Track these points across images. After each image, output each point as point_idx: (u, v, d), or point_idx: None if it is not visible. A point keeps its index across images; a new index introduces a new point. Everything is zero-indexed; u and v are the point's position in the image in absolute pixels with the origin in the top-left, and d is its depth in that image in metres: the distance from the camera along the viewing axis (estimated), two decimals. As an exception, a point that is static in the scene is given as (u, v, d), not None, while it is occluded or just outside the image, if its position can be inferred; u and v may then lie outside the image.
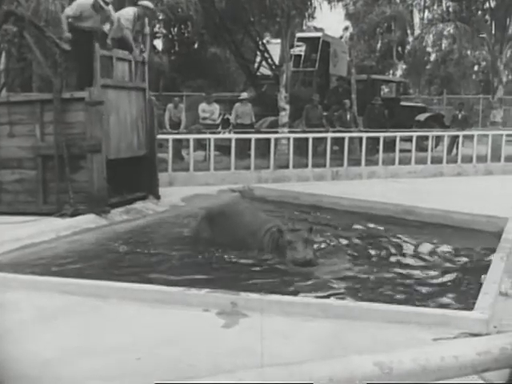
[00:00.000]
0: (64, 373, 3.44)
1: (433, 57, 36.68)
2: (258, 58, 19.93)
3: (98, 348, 3.81)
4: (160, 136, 11.42)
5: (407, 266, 6.62)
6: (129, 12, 10.09)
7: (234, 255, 6.68)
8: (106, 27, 9.58)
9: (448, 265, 6.64)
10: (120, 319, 4.43)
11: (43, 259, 6.62)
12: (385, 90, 23.16)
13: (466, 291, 5.56)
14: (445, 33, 33.29)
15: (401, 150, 14.61)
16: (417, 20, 32.56)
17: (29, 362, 3.52)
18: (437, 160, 14.81)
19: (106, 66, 8.67)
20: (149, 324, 4.33)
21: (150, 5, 10.60)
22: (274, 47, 18.50)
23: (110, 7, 9.54)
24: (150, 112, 9.90)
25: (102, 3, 9.28)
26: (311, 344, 3.91)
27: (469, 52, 33.13)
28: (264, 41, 19.56)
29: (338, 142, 14.26)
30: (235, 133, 14.73)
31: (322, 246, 7.23)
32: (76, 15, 9.34)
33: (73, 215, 8.28)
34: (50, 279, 5.39)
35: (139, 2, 10.43)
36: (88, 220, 8.17)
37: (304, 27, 24.21)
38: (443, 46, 35.84)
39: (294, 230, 6.50)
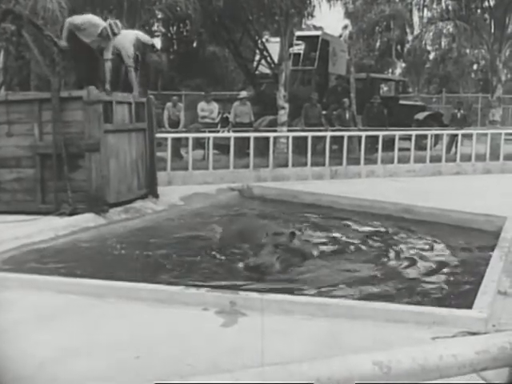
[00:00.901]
0: (62, 372, 3.44)
1: (432, 56, 36.71)
2: (257, 57, 19.92)
3: (97, 347, 3.81)
4: (159, 135, 11.41)
5: (406, 263, 6.63)
6: (130, 48, 10.03)
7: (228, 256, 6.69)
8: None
9: (446, 263, 6.63)
10: (118, 318, 4.43)
11: (41, 258, 6.62)
12: (384, 88, 23.17)
13: (464, 290, 5.56)
14: (444, 31, 33.33)
15: (400, 149, 14.61)
16: (416, 19, 32.53)
17: (26, 361, 3.52)
18: (436, 159, 14.81)
19: (105, 111, 8.63)
20: (147, 323, 4.32)
21: (150, 41, 10.57)
22: (273, 46, 18.48)
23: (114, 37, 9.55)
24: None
25: (109, 33, 9.27)
26: (310, 343, 3.91)
27: (468, 51, 33.16)
28: (263, 39, 19.54)
29: (337, 140, 14.26)
30: (234, 132, 14.72)
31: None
32: (80, 28, 9.34)
33: (71, 214, 8.27)
34: (48, 278, 5.38)
35: (138, 36, 10.40)
36: (87, 219, 8.16)
37: (303, 26, 24.20)
38: (442, 44, 35.85)
39: (278, 233, 6.35)
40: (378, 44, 36.38)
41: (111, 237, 7.81)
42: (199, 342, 3.95)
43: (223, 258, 6.71)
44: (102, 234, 7.89)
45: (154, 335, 4.05)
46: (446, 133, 15.96)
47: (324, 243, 7.40)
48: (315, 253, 6.61)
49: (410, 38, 34.39)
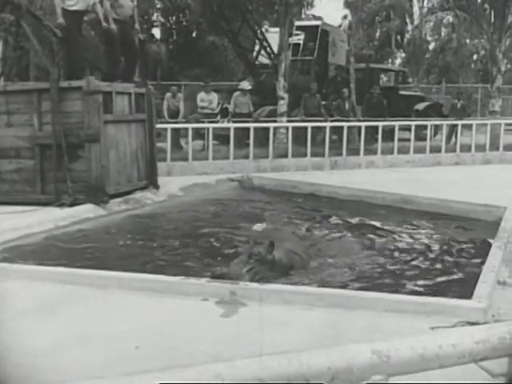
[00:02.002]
0: (62, 361, 3.44)
1: (432, 46, 36.64)
2: (257, 47, 19.87)
3: (97, 337, 3.82)
4: (158, 125, 11.40)
5: (404, 254, 6.64)
6: None
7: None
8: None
9: (445, 253, 6.64)
10: (119, 308, 4.44)
11: (42, 249, 6.63)
12: (383, 79, 23.11)
13: (463, 280, 5.57)
14: (444, 21, 33.30)
15: (399, 140, 14.59)
16: (416, 8, 32.53)
17: (27, 351, 3.53)
18: (435, 149, 14.80)
19: (105, 102, 8.61)
20: (147, 313, 4.33)
21: None
22: (273, 36, 18.42)
23: None
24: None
25: None
26: (309, 333, 3.92)
27: (467, 41, 33.12)
28: (262, 29, 19.47)
29: (337, 131, 14.25)
30: (234, 122, 14.70)
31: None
32: None
33: (71, 205, 8.27)
34: (48, 269, 5.38)
35: None
36: (86, 210, 8.16)
37: (303, 16, 24.09)
38: (442, 34, 35.81)
39: (258, 243, 5.66)
40: (377, 34, 36.34)
41: (111, 227, 7.82)
42: (199, 332, 3.96)
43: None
44: (102, 225, 7.89)
45: (154, 325, 4.06)
46: (445, 123, 15.94)
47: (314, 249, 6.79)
48: (299, 266, 5.85)
49: (409, 28, 34.41)
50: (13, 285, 4.90)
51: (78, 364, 3.38)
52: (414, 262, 6.31)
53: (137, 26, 10.58)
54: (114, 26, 9.45)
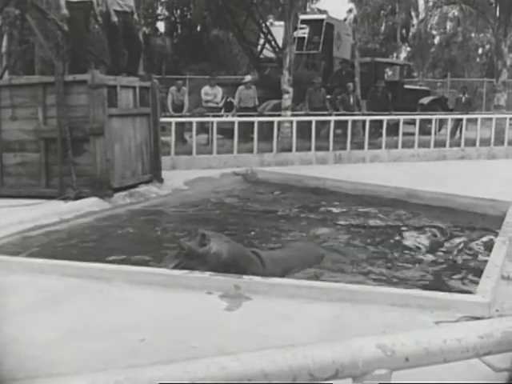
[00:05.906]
0: (67, 354, 3.46)
1: (437, 40, 36.55)
2: (261, 41, 19.85)
3: (102, 330, 3.83)
4: (163, 119, 11.40)
5: (409, 248, 6.64)
6: None
7: None
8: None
9: (449, 248, 6.64)
10: (124, 302, 4.45)
11: (46, 242, 6.64)
12: (388, 73, 23.09)
13: (467, 275, 5.57)
14: (449, 15, 33.21)
15: (404, 134, 14.55)
16: (421, 2, 32.45)
17: (32, 344, 3.54)
18: (440, 143, 14.78)
19: (110, 96, 8.63)
20: (152, 306, 4.34)
21: None
22: (278, 29, 18.40)
23: None
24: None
25: None
26: (314, 327, 3.93)
27: (473, 35, 33.04)
28: (267, 23, 19.45)
29: (341, 125, 14.23)
30: (238, 116, 14.70)
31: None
32: None
33: (76, 198, 8.29)
34: (53, 262, 5.39)
35: None
36: (91, 203, 8.18)
37: (308, 9, 24.04)
38: (447, 28, 35.73)
39: (194, 235, 5.01)
40: (382, 28, 36.28)
41: (115, 221, 7.83)
42: (204, 326, 3.97)
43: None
44: (107, 219, 7.91)
45: (159, 319, 4.07)
46: (450, 117, 15.91)
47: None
48: (257, 270, 5.10)
49: (415, 21, 34.34)
50: (18, 278, 4.92)
51: (83, 357, 3.39)
52: (418, 256, 6.31)
53: (136, 16, 10.49)
54: (115, 19, 9.42)
